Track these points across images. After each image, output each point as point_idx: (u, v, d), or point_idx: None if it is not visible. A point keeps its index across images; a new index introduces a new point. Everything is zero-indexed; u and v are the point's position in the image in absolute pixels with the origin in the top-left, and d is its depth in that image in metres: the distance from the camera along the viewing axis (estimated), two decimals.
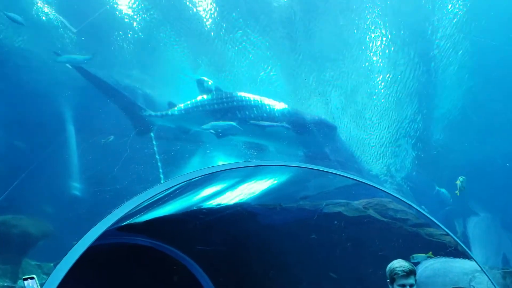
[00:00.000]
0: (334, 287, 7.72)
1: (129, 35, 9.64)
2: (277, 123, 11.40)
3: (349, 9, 10.83)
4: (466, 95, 12.87)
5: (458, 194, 9.82)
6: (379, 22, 11.01)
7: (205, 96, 11.24)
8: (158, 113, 11.01)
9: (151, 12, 9.59)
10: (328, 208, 8.28)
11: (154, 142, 9.87)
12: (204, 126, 10.57)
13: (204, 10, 9.98)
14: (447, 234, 8.00)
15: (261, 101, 11.77)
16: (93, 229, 4.27)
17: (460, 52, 12.02)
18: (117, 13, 9.32)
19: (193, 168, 9.58)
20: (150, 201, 5.31)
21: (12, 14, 7.52)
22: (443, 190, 13.32)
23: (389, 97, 12.00)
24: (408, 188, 13.28)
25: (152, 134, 9.89)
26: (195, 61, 10.50)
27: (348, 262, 7.94)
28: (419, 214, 8.02)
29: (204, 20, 9.97)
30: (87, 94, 9.41)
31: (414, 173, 13.38)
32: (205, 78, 11.36)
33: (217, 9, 9.96)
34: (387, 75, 11.88)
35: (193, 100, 11.36)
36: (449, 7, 11.25)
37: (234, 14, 9.99)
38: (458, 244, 7.78)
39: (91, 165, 9.66)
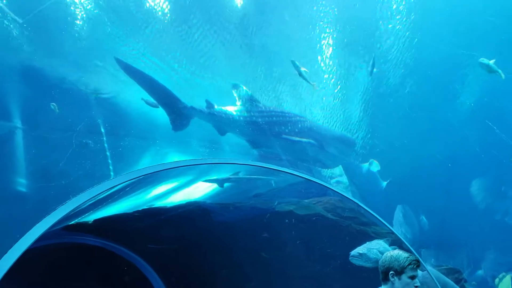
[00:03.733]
0: (284, 285, 7.82)
1: (77, 28, 9.29)
2: (306, 139, 11.87)
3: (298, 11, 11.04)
4: (409, 95, 13.52)
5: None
6: (328, 24, 11.29)
7: (245, 105, 11.47)
8: (197, 108, 10.94)
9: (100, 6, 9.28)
10: (280, 206, 8.37)
11: (104, 138, 9.60)
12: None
13: (156, 5, 9.79)
14: (392, 232, 8.30)
15: (294, 117, 12.13)
16: (35, 227, 4.02)
17: (407, 54, 12.60)
18: (65, 5, 8.95)
19: (145, 164, 9.40)
20: (99, 198, 5.12)
21: None
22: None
23: (336, 95, 12.36)
24: (355, 186, 13.75)
25: (102, 129, 9.63)
26: (142, 56, 10.27)
27: (297, 260, 8.06)
28: (366, 213, 8.27)
29: (159, 14, 9.78)
30: (31, 87, 8.98)
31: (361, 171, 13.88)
32: (242, 86, 11.52)
33: (169, 6, 9.80)
34: (334, 76, 12.24)
35: (236, 107, 11.52)
36: (394, 7, 11.74)
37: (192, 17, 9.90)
38: (403, 242, 8.10)
39: (35, 159, 9.23)
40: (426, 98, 13.51)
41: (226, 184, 8.64)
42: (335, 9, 11.15)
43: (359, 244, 7.25)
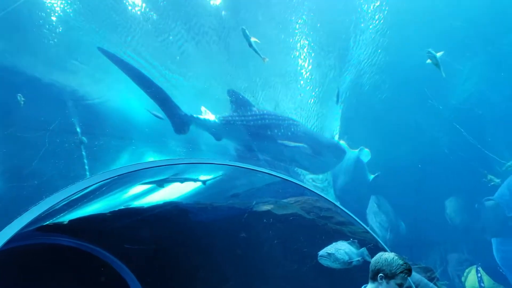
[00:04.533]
0: (262, 284, 7.85)
1: (51, 26, 9.10)
2: (299, 144, 11.93)
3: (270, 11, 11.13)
4: (382, 98, 13.79)
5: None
6: (304, 26, 11.41)
7: (239, 111, 11.52)
8: (194, 115, 11.08)
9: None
10: (257, 206, 8.39)
11: (80, 137, 9.46)
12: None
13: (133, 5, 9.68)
14: (367, 232, 8.44)
15: (287, 121, 12.20)
16: (6, 228, 3.92)
17: (381, 55, 12.85)
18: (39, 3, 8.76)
19: (121, 164, 9.27)
20: (74, 198, 5.04)
21: None
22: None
23: (311, 95, 12.50)
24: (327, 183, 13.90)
25: (78, 129, 9.48)
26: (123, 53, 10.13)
27: (275, 259, 8.10)
28: (343, 212, 8.39)
29: (135, 14, 9.68)
30: (2, 85, 8.76)
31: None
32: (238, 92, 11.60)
33: (144, 5, 9.71)
34: (310, 77, 12.38)
35: (230, 113, 11.58)
36: (368, 10, 11.95)
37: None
38: (378, 242, 8.25)
39: (6, 159, 8.98)
40: (397, 100, 13.78)
41: (203, 184, 8.62)
42: (311, 13, 11.28)
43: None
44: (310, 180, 13.30)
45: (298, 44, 11.74)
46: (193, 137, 11.57)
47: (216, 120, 11.30)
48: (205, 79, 11.33)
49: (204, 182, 8.52)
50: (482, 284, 12.22)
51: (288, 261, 8.06)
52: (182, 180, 8.14)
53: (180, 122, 10.86)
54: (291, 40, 11.60)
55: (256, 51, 9.55)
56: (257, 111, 11.75)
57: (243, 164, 7.60)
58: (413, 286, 8.01)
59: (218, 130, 11.45)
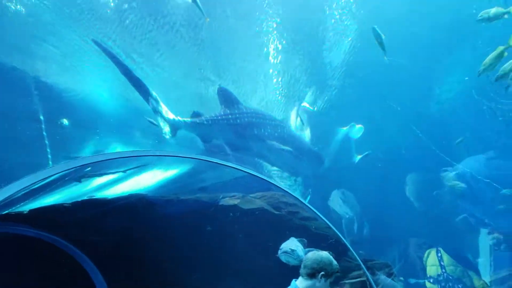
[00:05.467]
0: (227, 279, 7.88)
1: (15, 9, 8.77)
2: (286, 148, 11.94)
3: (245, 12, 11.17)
4: (346, 97, 14.11)
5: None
6: (274, 24, 11.50)
7: (227, 110, 11.49)
8: (182, 120, 11.10)
9: None
10: (224, 200, 8.42)
11: (43, 126, 9.17)
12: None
13: None
14: (330, 228, 8.60)
15: (275, 121, 12.33)
16: None
17: (346, 56, 13.14)
18: None
19: (86, 154, 9.07)
20: (36, 188, 4.90)
21: None
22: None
23: (278, 92, 12.63)
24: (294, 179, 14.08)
25: (41, 117, 9.18)
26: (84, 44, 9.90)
27: (240, 253, 8.14)
28: (308, 208, 8.52)
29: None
30: None
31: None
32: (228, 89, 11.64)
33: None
34: (279, 74, 12.51)
35: (217, 113, 11.56)
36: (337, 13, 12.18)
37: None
38: (339, 237, 8.42)
39: None
40: (360, 99, 14.11)
41: (170, 177, 8.56)
42: (279, 10, 11.37)
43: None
44: (274, 173, 13.42)
45: (267, 40, 11.83)
46: (160, 129, 11.46)
47: (204, 122, 11.30)
48: (174, 72, 11.23)
49: (167, 174, 8.48)
50: (442, 263, 12.81)
51: (253, 255, 8.12)
52: (149, 172, 8.06)
53: (170, 126, 10.84)
54: (260, 34, 11.66)
55: (199, 8, 9.53)
56: (245, 109, 11.86)
57: (210, 159, 7.56)
58: (374, 285, 8.30)
59: (206, 132, 11.47)
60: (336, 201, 14.00)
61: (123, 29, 9.79)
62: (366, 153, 14.13)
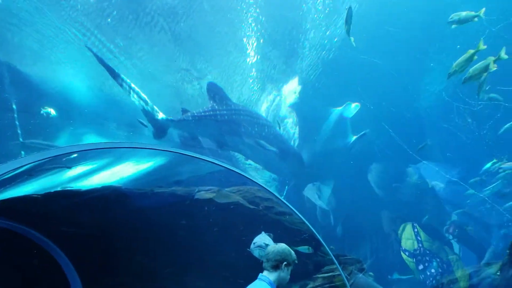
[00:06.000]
0: (201, 271, 7.89)
1: None
2: (273, 149, 11.91)
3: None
4: (320, 94, 14.29)
5: None
6: (249, 17, 11.52)
7: (216, 106, 11.49)
8: (170, 118, 11.13)
9: None
10: (200, 194, 8.41)
11: (15, 115, 8.96)
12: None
13: None
14: (304, 223, 8.72)
15: (262, 120, 12.46)
16: None
17: (322, 54, 13.29)
18: None
19: (59, 144, 8.88)
20: (6, 178, 4.79)
21: None
22: None
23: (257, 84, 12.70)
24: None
25: (14, 106, 8.94)
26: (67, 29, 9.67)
27: (215, 247, 8.17)
28: (283, 203, 8.61)
29: None
30: None
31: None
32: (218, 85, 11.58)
33: None
34: (254, 68, 12.56)
35: (206, 108, 11.54)
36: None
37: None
38: (313, 232, 8.55)
39: None
40: (333, 97, 14.29)
41: (145, 170, 8.49)
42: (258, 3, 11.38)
43: (274, 232, 7.55)
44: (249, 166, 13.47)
45: (245, 34, 11.83)
46: (135, 121, 11.33)
47: (190, 118, 11.29)
48: (151, 64, 11.11)
49: (143, 167, 8.42)
50: (419, 238, 13.19)
51: (227, 249, 8.15)
52: (124, 164, 7.97)
53: (160, 126, 10.79)
54: (238, 28, 11.65)
55: None
56: (234, 106, 11.95)
57: (186, 152, 7.54)
58: (346, 280, 8.49)
59: (195, 128, 11.53)
60: (312, 193, 13.98)
61: (102, 19, 9.62)
62: (363, 132, 13.74)
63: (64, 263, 6.26)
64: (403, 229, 13.76)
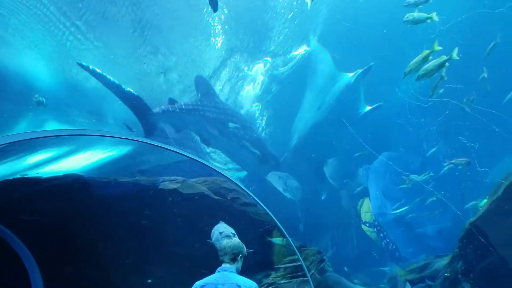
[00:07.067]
0: (163, 262, 7.88)
1: None
2: (256, 151, 11.88)
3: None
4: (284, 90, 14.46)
5: None
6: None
7: (205, 102, 11.52)
8: (157, 110, 11.01)
9: None
10: (164, 184, 8.36)
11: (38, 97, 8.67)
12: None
13: None
14: (267, 214, 8.85)
15: (247, 123, 12.66)
16: None
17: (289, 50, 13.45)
18: None
19: (19, 131, 8.56)
20: None
21: None
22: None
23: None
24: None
25: None
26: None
27: (177, 237, 8.17)
28: (248, 195, 8.69)
29: None
30: None
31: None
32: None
33: None
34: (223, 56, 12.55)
35: (193, 101, 11.52)
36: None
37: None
38: (276, 223, 8.70)
39: None
40: (296, 94, 14.49)
41: (108, 158, 8.34)
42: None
43: (238, 222, 7.63)
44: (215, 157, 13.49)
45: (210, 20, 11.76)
46: (99, 109, 11.08)
47: (176, 110, 11.30)
48: (115, 50, 10.86)
49: (106, 155, 8.29)
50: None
51: (190, 239, 8.17)
52: (86, 153, 7.82)
53: (150, 124, 10.85)
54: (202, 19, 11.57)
55: None
56: (223, 105, 12.10)
57: (151, 141, 7.48)
58: (306, 270, 8.70)
59: (182, 120, 11.53)
60: (275, 180, 14.04)
61: (64, 3, 9.30)
62: (377, 104, 12.92)
63: (23, 253, 6.11)
64: (362, 204, 14.25)
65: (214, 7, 8.87)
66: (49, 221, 6.46)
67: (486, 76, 10.37)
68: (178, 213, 8.37)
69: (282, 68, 14.09)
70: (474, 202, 10.84)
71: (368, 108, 13.43)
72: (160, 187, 8.44)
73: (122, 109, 10.68)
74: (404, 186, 12.66)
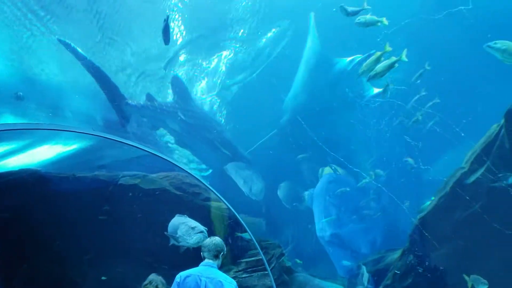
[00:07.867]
0: (123, 258, 7.81)
1: None
2: (227, 152, 12.77)
3: None
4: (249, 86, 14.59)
5: None
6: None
7: (182, 104, 11.56)
8: (134, 103, 10.81)
9: None
10: (124, 179, 8.29)
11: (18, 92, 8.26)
12: None
13: None
14: (229, 209, 8.95)
15: (221, 127, 13.02)
16: None
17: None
18: None
19: None
20: None
21: None
22: None
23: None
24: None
25: None
26: None
27: (138, 233, 8.12)
28: (210, 190, 8.74)
29: None
30: None
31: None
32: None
33: None
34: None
35: (170, 102, 11.51)
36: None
37: None
38: (237, 218, 8.81)
39: None
40: (256, 90, 14.66)
41: (66, 153, 8.17)
42: None
43: (200, 218, 7.66)
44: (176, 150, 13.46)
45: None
46: (57, 102, 10.76)
47: (157, 109, 11.25)
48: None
49: (65, 150, 8.13)
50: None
51: (151, 235, 8.13)
52: (43, 147, 7.63)
53: (124, 112, 10.65)
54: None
55: None
56: (199, 110, 12.27)
57: (110, 135, 7.39)
58: (266, 264, 8.87)
59: (158, 120, 11.50)
60: (234, 172, 14.07)
61: None
62: (386, 84, 10.83)
63: None
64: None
65: (166, 39, 8.78)
66: (3, 218, 6.28)
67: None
68: (138, 209, 8.32)
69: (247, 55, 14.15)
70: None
71: (376, 91, 13.05)
72: (120, 182, 8.36)
73: (81, 103, 10.43)
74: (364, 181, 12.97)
